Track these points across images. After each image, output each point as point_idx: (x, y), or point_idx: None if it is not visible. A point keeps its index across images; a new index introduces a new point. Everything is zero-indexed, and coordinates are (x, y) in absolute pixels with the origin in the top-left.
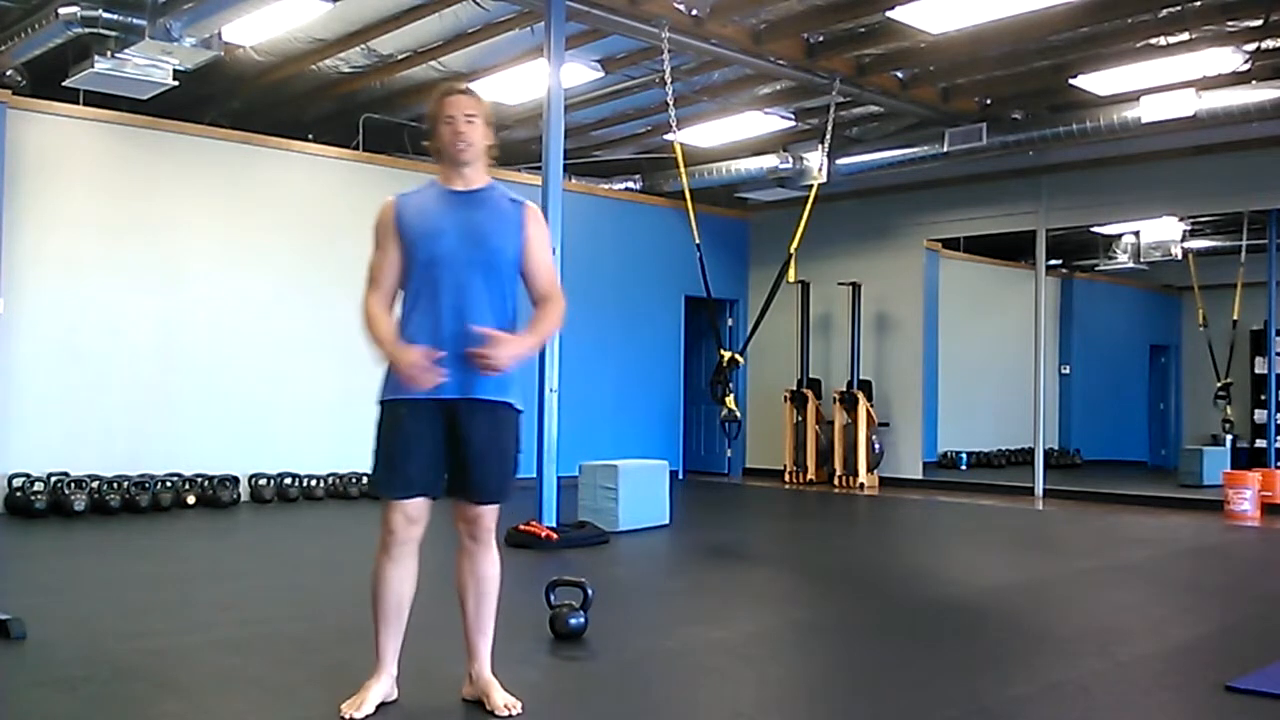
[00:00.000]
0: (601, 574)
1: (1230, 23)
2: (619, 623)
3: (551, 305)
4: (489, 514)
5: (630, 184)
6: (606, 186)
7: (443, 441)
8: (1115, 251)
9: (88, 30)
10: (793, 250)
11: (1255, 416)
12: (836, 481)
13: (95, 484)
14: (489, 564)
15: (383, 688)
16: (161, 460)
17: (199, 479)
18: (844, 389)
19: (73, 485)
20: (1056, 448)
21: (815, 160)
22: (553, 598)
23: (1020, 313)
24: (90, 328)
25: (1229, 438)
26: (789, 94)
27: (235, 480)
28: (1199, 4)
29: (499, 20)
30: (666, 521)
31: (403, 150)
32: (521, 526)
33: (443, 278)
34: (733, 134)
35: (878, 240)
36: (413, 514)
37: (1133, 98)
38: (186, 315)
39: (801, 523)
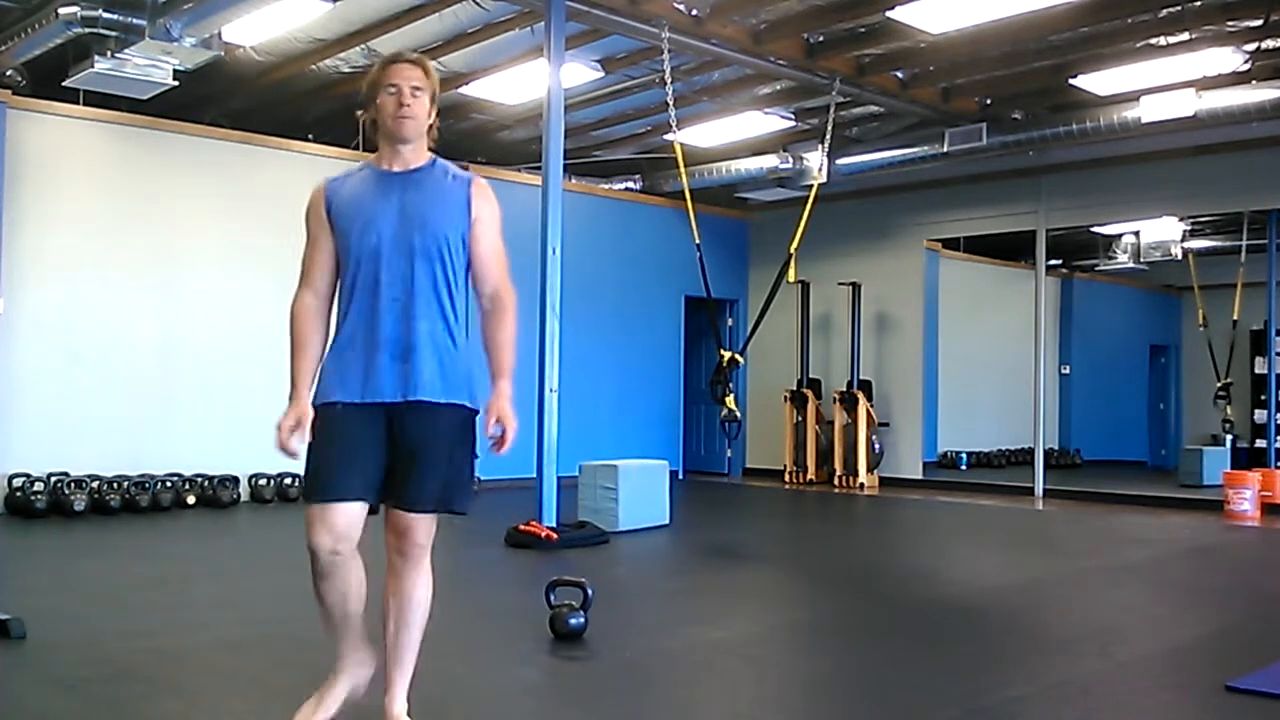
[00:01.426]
0: (601, 574)
1: (1230, 23)
2: (619, 623)
3: (504, 312)
4: (422, 527)
5: (630, 184)
6: (606, 186)
7: (383, 446)
8: (1115, 251)
9: (88, 30)
10: (793, 250)
11: (1255, 416)
12: (836, 481)
13: (95, 484)
14: (417, 585)
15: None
16: (161, 460)
17: (199, 479)
18: (844, 389)
19: (73, 485)
20: (1056, 448)
21: (815, 160)
22: (553, 598)
23: (1020, 313)
24: (90, 327)
25: (1229, 438)
26: (789, 94)
27: (235, 480)
28: (1199, 4)
29: (499, 20)
30: (666, 521)
31: None
32: (521, 526)
33: (380, 272)
34: (733, 134)
35: (878, 240)
36: (341, 526)
37: (1133, 98)
38: (186, 315)
39: (801, 523)
